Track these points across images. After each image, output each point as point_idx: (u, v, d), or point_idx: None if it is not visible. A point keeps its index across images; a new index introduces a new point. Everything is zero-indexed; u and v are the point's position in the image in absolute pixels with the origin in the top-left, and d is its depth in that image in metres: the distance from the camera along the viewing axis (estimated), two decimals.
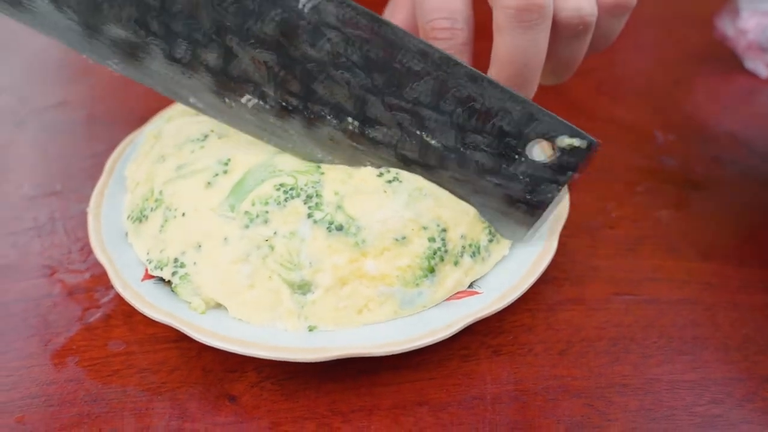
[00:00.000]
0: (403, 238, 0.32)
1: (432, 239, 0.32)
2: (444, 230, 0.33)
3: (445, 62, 0.30)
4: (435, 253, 0.32)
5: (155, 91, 0.33)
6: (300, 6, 0.30)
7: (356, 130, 0.32)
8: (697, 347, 0.34)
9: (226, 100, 0.32)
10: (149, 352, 0.33)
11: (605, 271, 0.38)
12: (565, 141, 0.31)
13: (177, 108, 0.40)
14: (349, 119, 0.32)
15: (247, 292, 0.31)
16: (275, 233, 0.31)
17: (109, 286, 0.36)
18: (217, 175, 0.33)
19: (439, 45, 0.32)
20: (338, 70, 0.31)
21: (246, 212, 0.32)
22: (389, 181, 0.33)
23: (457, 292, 0.33)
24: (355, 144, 0.32)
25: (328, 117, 0.32)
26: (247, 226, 0.32)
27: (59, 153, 0.46)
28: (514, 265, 0.34)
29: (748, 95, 0.51)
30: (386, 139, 0.32)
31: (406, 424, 0.31)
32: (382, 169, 0.33)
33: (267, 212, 0.32)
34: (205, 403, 0.31)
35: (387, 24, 0.30)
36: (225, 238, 0.32)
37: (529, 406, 0.31)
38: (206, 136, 0.36)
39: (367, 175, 0.33)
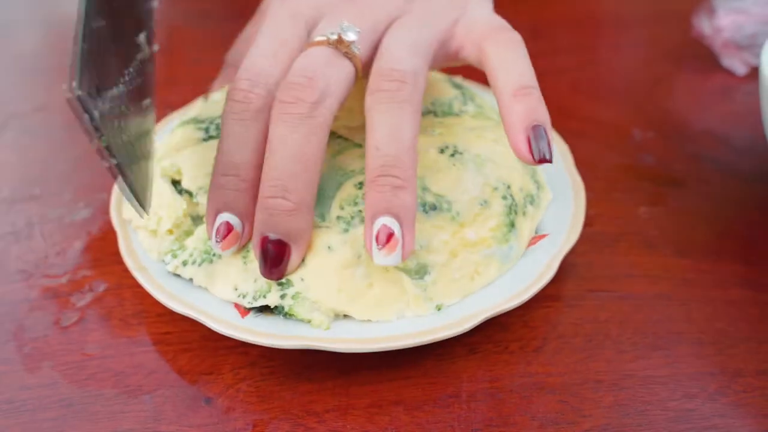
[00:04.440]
0: (485, 202, 0.34)
1: (504, 197, 0.34)
2: (508, 187, 0.35)
3: None
4: (511, 209, 0.34)
5: None
6: None
7: None
8: (671, 342, 0.34)
9: None
10: (125, 356, 0.33)
11: (582, 267, 0.38)
12: None
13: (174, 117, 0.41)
14: None
15: (367, 292, 0.31)
16: None
17: (85, 291, 0.36)
18: None
19: (232, 106, 0.31)
20: None
21: (338, 217, 0.32)
22: (452, 155, 0.35)
23: (532, 239, 0.35)
24: None
25: None
26: (346, 230, 0.32)
27: (38, 157, 0.45)
28: (537, 256, 0.35)
29: (725, 93, 0.52)
30: None
31: (381, 423, 0.31)
32: (441, 146, 0.35)
33: (360, 211, 0.32)
34: (181, 405, 0.31)
35: None
36: (328, 247, 0.31)
37: (504, 403, 0.32)
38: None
39: (432, 155, 0.34)
